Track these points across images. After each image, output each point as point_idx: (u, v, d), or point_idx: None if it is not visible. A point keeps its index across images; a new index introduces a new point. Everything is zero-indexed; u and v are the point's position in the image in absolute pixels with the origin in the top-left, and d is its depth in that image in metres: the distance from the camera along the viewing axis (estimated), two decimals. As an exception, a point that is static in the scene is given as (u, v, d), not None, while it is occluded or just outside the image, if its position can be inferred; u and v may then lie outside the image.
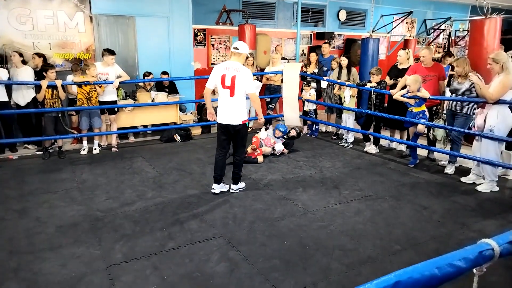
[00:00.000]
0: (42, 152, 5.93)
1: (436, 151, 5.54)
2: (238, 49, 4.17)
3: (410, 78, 5.25)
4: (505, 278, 2.81)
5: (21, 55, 5.88)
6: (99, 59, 6.45)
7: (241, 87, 4.13)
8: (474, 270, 1.25)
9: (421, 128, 5.38)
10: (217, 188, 4.47)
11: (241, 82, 4.11)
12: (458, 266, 1.15)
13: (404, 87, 5.46)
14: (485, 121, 4.60)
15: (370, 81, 6.09)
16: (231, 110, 4.19)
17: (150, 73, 7.08)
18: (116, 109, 6.32)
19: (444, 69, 5.63)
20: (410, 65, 6.06)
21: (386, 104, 6.12)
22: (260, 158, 5.71)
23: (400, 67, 6.12)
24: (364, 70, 7.83)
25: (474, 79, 4.65)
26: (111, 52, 6.04)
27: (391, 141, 6.45)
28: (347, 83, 6.51)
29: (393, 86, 5.89)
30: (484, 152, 4.59)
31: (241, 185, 4.58)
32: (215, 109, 4.39)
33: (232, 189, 4.53)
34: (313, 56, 7.39)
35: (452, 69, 5.75)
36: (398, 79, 5.87)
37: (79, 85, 5.77)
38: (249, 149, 5.69)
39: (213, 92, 4.56)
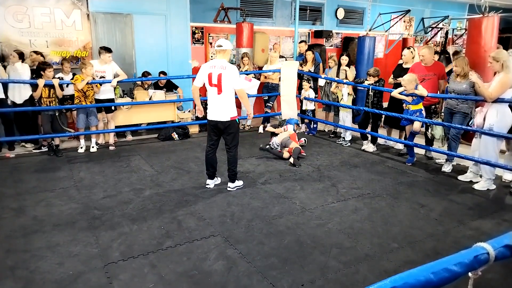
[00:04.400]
0: (47, 149, 5.93)
1: (434, 151, 5.55)
2: (222, 46, 4.23)
3: (404, 79, 5.26)
4: (501, 275, 2.82)
5: (21, 56, 5.84)
6: (96, 57, 6.42)
7: (228, 84, 4.19)
8: (470, 274, 1.25)
9: (416, 127, 5.39)
10: (211, 183, 4.62)
11: (227, 79, 4.16)
12: (454, 270, 1.16)
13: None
14: (484, 119, 4.61)
15: (367, 80, 6.10)
16: (220, 107, 4.26)
17: (149, 74, 7.08)
18: (113, 107, 6.30)
19: (444, 69, 5.62)
20: (417, 61, 5.99)
21: (384, 103, 6.12)
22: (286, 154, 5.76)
23: (405, 66, 5.99)
24: (361, 68, 7.84)
25: (473, 78, 4.65)
26: (107, 50, 6.02)
27: (388, 140, 6.44)
28: (344, 80, 6.52)
29: (396, 86, 5.86)
30: (483, 150, 4.60)
31: (238, 183, 4.59)
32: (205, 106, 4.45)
33: (229, 187, 4.53)
34: (309, 55, 7.39)
35: None
36: (398, 79, 5.85)
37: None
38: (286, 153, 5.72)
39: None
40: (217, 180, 4.70)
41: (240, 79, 4.43)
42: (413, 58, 6.03)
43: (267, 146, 5.88)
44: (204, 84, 4.36)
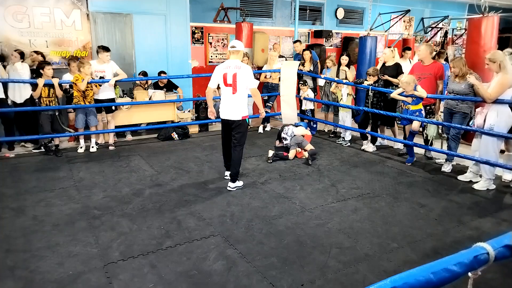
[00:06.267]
0: (44, 150, 5.93)
1: (434, 150, 5.55)
2: (235, 47, 4.40)
3: (403, 81, 5.28)
4: (501, 275, 2.82)
5: (22, 56, 5.84)
6: (96, 57, 6.42)
7: (242, 84, 4.34)
8: (469, 274, 1.25)
9: (415, 126, 5.40)
10: (228, 174, 4.72)
11: (242, 78, 4.32)
12: (453, 270, 1.16)
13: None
14: (484, 120, 4.60)
15: (366, 80, 6.11)
16: (233, 106, 4.41)
17: (145, 73, 7.09)
18: (113, 108, 6.30)
19: (442, 69, 5.64)
20: (396, 63, 6.14)
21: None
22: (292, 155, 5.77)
23: (386, 64, 6.19)
24: (362, 68, 7.84)
25: (471, 80, 4.65)
26: (105, 48, 6.01)
27: (388, 140, 6.43)
28: (344, 81, 6.52)
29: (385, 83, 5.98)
30: (483, 151, 4.60)
31: (239, 183, 4.60)
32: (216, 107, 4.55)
33: (229, 186, 4.55)
34: (307, 54, 7.40)
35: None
36: (384, 76, 5.96)
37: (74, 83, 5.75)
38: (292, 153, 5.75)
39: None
40: None
41: (254, 78, 4.57)
42: (393, 57, 6.21)
43: (271, 155, 5.72)
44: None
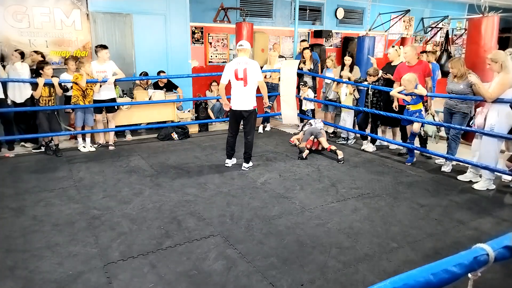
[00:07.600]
0: (44, 150, 5.92)
1: (434, 154, 5.51)
2: (242, 45, 5.02)
3: (404, 78, 5.26)
4: (500, 276, 2.82)
5: (22, 55, 5.83)
6: (96, 57, 6.41)
7: (252, 77, 4.91)
8: (469, 275, 1.25)
9: (416, 127, 5.40)
10: (229, 162, 5.30)
11: (252, 72, 4.90)
12: (453, 271, 1.16)
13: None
14: (485, 120, 4.60)
15: (366, 80, 6.11)
16: (245, 98, 4.98)
17: (146, 74, 7.10)
18: (115, 107, 6.29)
19: (428, 66, 5.64)
20: (402, 62, 6.09)
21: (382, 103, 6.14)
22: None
23: (392, 64, 6.16)
24: (360, 68, 7.84)
25: (472, 79, 4.65)
26: (104, 46, 5.97)
27: (388, 142, 6.41)
28: (344, 79, 6.51)
29: (387, 81, 5.97)
30: (484, 151, 4.60)
31: (251, 163, 5.27)
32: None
33: (244, 167, 5.19)
34: (307, 53, 7.40)
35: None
36: (387, 74, 5.96)
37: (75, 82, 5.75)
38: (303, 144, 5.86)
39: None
40: (234, 160, 5.36)
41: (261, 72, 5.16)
42: (398, 56, 6.15)
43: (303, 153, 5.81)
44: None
